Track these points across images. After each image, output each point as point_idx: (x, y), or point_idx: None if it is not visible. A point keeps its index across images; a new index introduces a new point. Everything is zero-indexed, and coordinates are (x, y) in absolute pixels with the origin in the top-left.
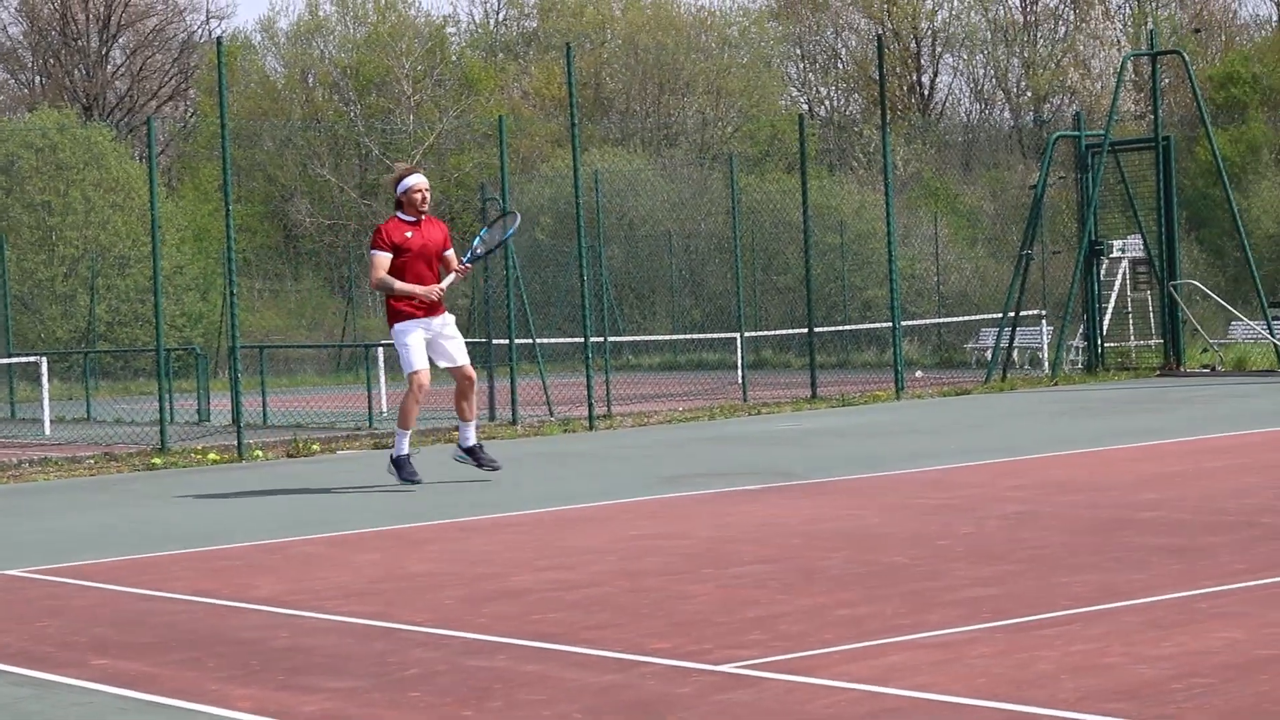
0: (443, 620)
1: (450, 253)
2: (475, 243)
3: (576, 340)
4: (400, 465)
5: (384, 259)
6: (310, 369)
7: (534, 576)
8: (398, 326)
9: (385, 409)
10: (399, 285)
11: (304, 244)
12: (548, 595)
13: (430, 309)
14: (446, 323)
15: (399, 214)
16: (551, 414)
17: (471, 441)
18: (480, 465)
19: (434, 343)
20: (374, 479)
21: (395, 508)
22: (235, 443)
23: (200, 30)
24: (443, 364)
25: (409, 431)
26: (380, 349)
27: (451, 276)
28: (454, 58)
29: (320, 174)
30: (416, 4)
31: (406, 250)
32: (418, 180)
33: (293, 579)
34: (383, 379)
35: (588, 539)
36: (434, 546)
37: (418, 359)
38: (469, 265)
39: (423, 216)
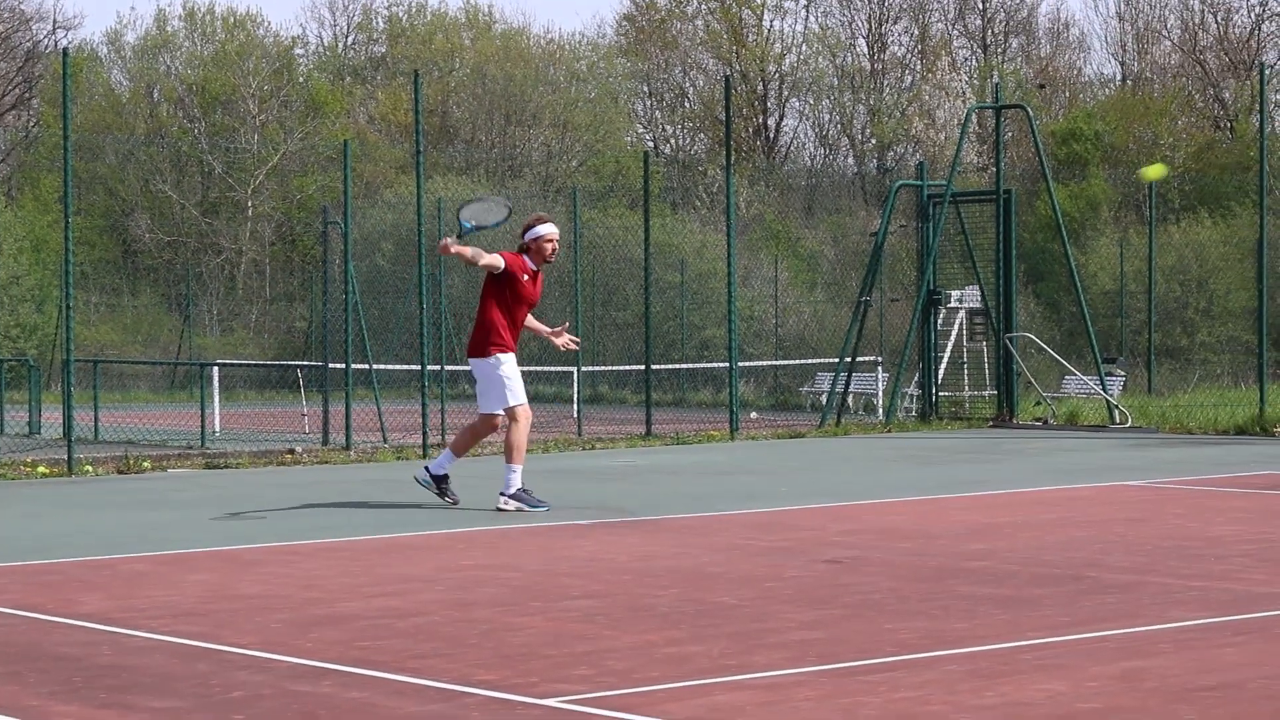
0: (269, 643)
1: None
2: (465, 223)
3: (413, 368)
4: (521, 498)
5: (497, 259)
6: (144, 385)
7: (363, 603)
8: (494, 359)
9: (218, 429)
10: (480, 256)
11: (143, 259)
12: (376, 622)
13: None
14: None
15: (526, 258)
16: (385, 441)
17: (445, 470)
18: (441, 495)
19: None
20: (205, 496)
21: (226, 528)
22: (66, 457)
23: (46, 40)
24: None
25: (519, 467)
26: (216, 368)
27: (450, 239)
28: (301, 79)
29: (162, 190)
30: (265, 24)
31: (519, 293)
32: (551, 230)
33: (119, 596)
34: (216, 398)
35: (418, 567)
36: (264, 569)
37: (520, 393)
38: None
39: (541, 268)
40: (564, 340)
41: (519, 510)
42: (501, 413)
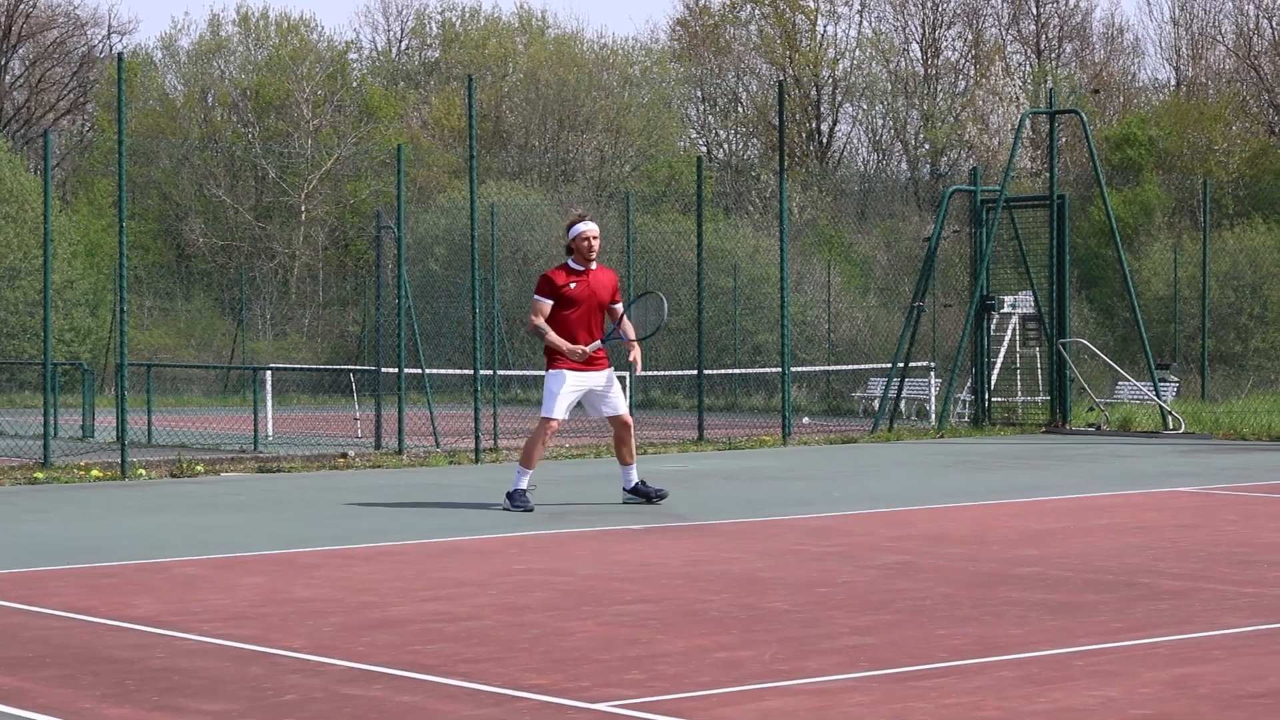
0: (321, 647)
1: (618, 305)
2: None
3: (466, 372)
4: (513, 497)
5: (544, 305)
6: (197, 389)
7: (415, 607)
8: (553, 372)
9: (270, 432)
10: (550, 336)
11: (196, 264)
12: (427, 626)
13: (589, 363)
14: (607, 378)
15: (569, 261)
16: (438, 445)
17: (633, 482)
18: (649, 499)
19: (590, 395)
20: (258, 500)
21: (280, 531)
22: (119, 460)
23: (101, 45)
24: (603, 413)
25: (529, 472)
26: (269, 372)
27: (596, 343)
28: (355, 84)
29: (216, 194)
30: (319, 29)
31: (568, 299)
32: (587, 227)
33: (172, 599)
34: (269, 402)
35: (470, 571)
36: (317, 573)
37: (557, 408)
38: (632, 341)
39: (592, 266)
40: (633, 355)
41: (504, 509)
42: (621, 411)
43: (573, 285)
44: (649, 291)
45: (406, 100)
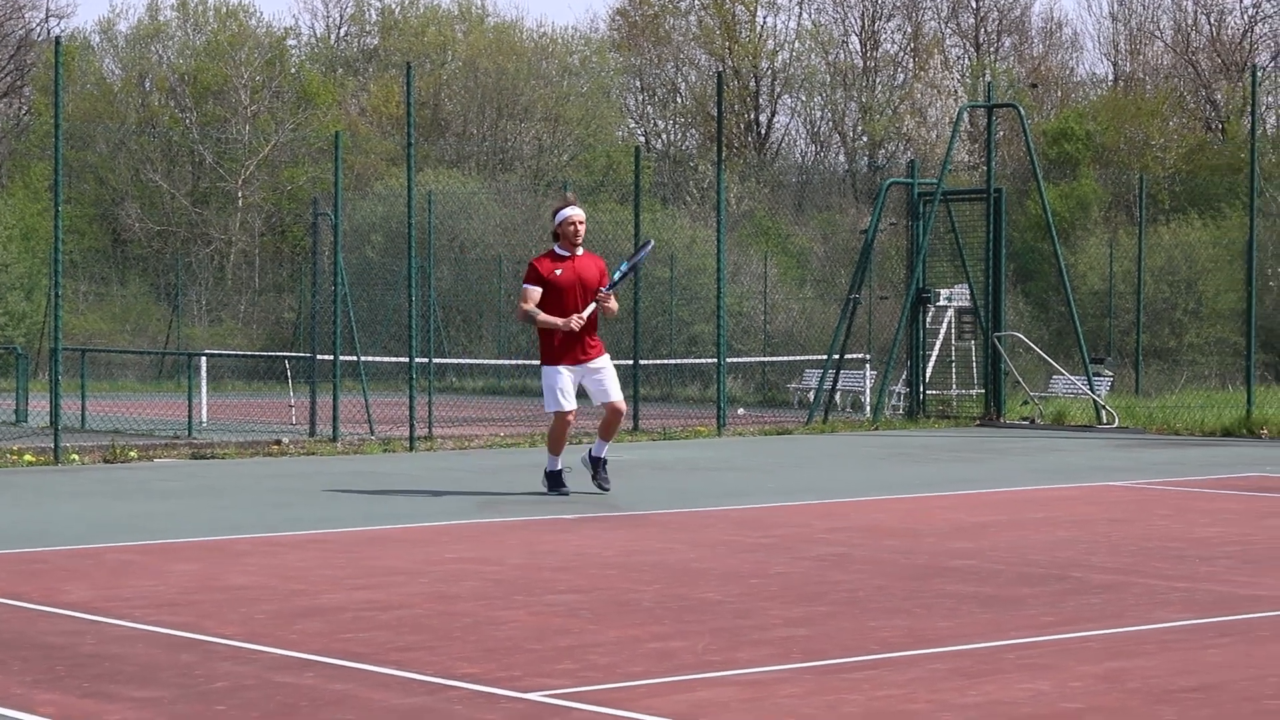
0: (253, 634)
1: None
2: (614, 273)
3: (401, 360)
4: (552, 479)
5: (533, 292)
6: (132, 375)
7: (347, 595)
8: (547, 369)
9: (205, 419)
10: (540, 317)
11: (132, 249)
12: (359, 614)
13: (583, 352)
14: (601, 364)
15: (555, 247)
16: (373, 433)
17: (601, 454)
18: (594, 478)
19: (587, 382)
20: (191, 487)
21: (213, 518)
22: (52, 445)
23: (39, 28)
24: (597, 401)
25: (558, 456)
26: (204, 358)
27: (591, 306)
28: (293, 70)
29: (153, 179)
30: (258, 15)
31: (555, 285)
32: (573, 212)
33: (105, 585)
34: (204, 388)
35: (402, 560)
36: (250, 560)
37: (561, 401)
38: (608, 293)
39: (577, 251)
40: (610, 307)
41: (544, 491)
42: (615, 399)
43: (558, 272)
44: (648, 241)
45: (345, 87)
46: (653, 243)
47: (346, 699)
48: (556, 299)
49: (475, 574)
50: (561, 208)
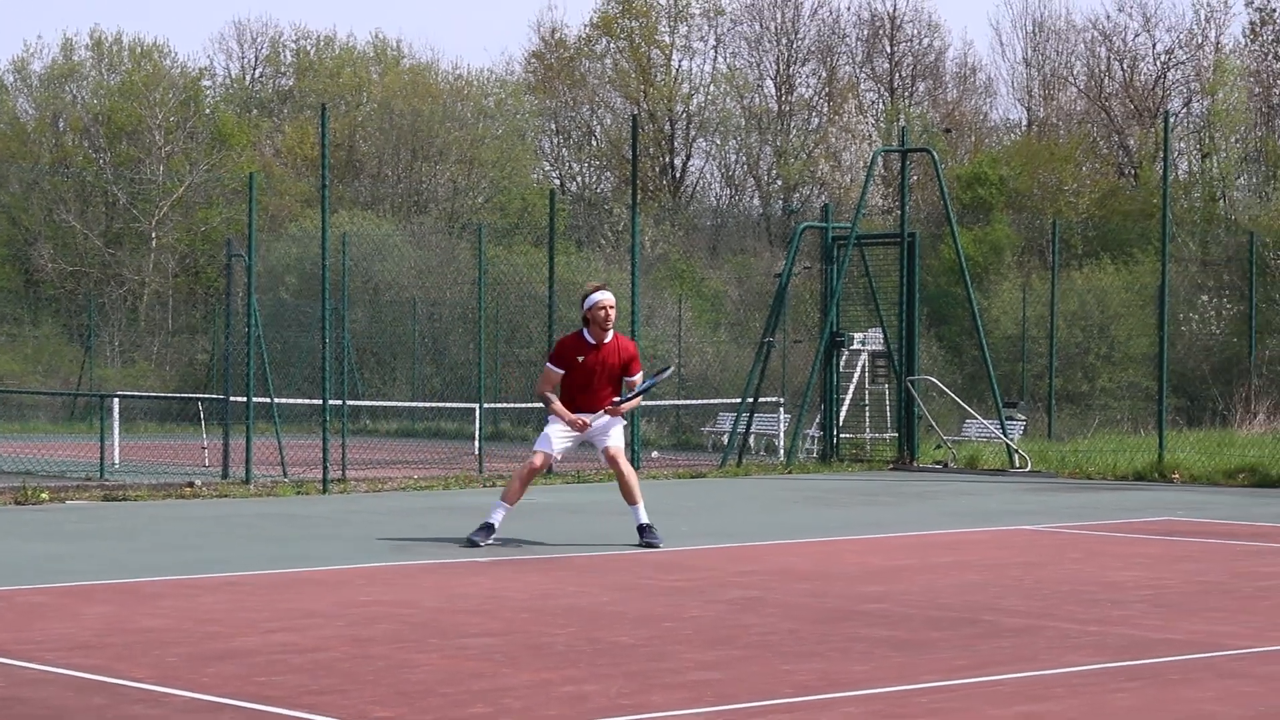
0: (166, 677)
1: (637, 377)
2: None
3: (315, 402)
4: (479, 528)
5: (554, 374)
6: (44, 416)
7: (261, 638)
8: (551, 417)
9: (117, 460)
10: (554, 405)
11: (45, 289)
12: (273, 657)
13: (590, 409)
14: (607, 424)
15: (584, 331)
16: (286, 475)
17: (639, 520)
18: (645, 543)
19: (592, 432)
20: (103, 529)
21: (126, 560)
22: None
23: None
24: (599, 448)
25: (506, 507)
26: (116, 400)
27: (601, 414)
28: (208, 111)
29: (66, 220)
30: (173, 55)
31: (578, 370)
32: (602, 297)
33: (16, 628)
34: (116, 430)
35: (316, 603)
36: (163, 602)
37: (544, 443)
38: (618, 405)
39: (606, 336)
40: (619, 412)
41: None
42: (542, 452)
43: (581, 359)
44: (668, 366)
45: (260, 128)
46: (672, 369)
47: None
48: (580, 382)
49: (390, 616)
50: (591, 292)
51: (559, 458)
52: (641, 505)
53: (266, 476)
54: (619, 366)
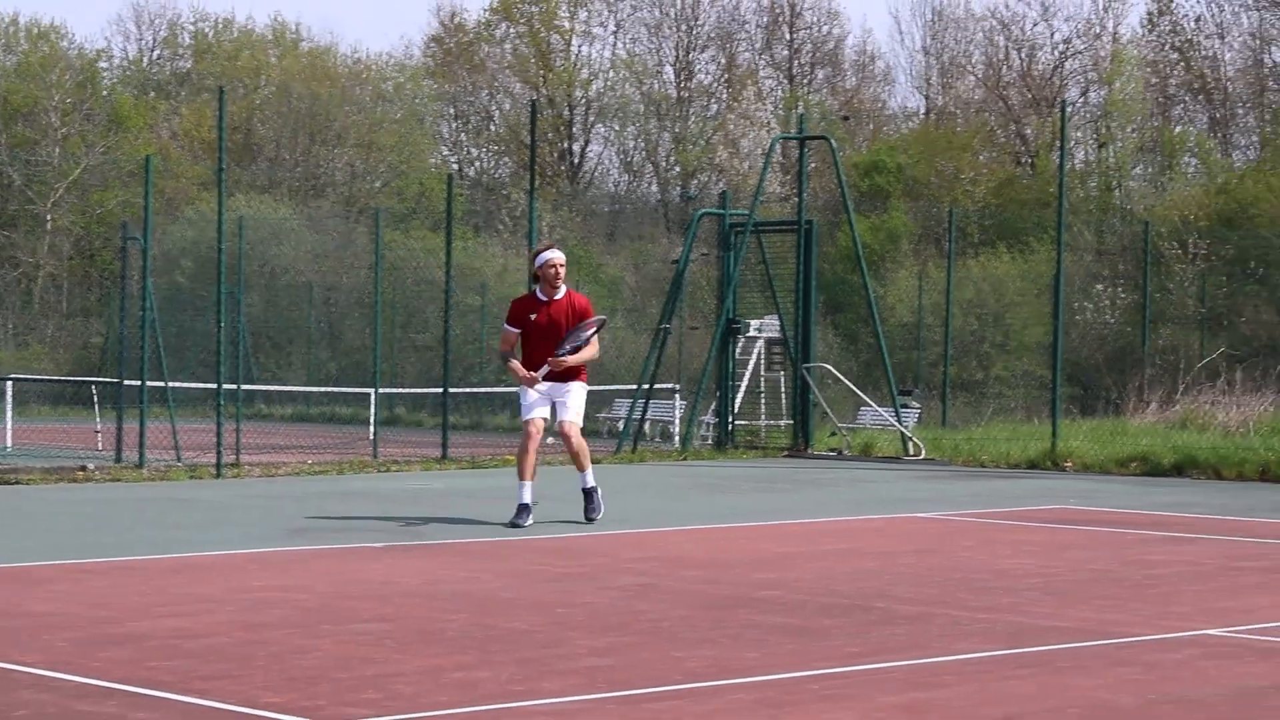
0: (56, 662)
1: (587, 332)
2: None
3: (210, 386)
4: (517, 512)
5: (510, 334)
6: None
7: (152, 623)
8: (521, 389)
9: (9, 444)
10: (510, 364)
11: None
12: (164, 643)
13: (558, 377)
14: (568, 390)
15: (536, 289)
16: (179, 459)
17: (585, 484)
18: (586, 510)
19: (555, 401)
20: None
21: (16, 545)
22: None
23: None
24: (555, 420)
25: (528, 483)
26: (9, 383)
27: (544, 369)
28: (105, 93)
29: None
30: (70, 36)
31: (532, 327)
32: (551, 255)
33: None
34: (9, 413)
35: (208, 587)
36: (53, 587)
37: (527, 409)
38: (559, 359)
39: (557, 294)
40: (563, 364)
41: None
42: (561, 418)
43: (533, 316)
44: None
45: (157, 110)
46: (604, 317)
47: None
48: (535, 339)
49: (282, 602)
50: (541, 250)
51: (548, 414)
52: (589, 472)
53: (160, 461)
54: (572, 320)
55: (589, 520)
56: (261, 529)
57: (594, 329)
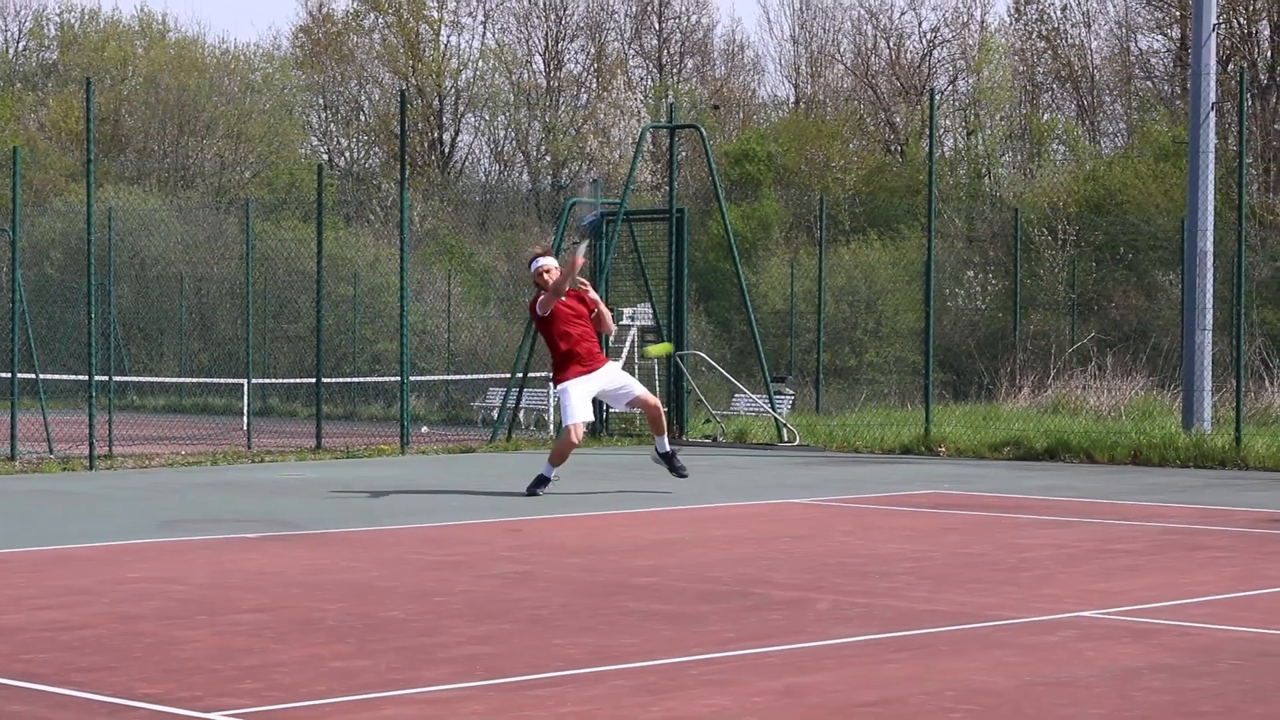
0: None
1: (593, 293)
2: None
3: (81, 378)
4: (537, 480)
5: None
6: None
7: (26, 616)
8: (561, 387)
9: None
10: (564, 272)
11: None
12: (39, 635)
13: (587, 363)
14: (610, 372)
15: (540, 293)
16: (51, 451)
17: (665, 449)
18: (672, 470)
19: (604, 393)
20: None
21: None
22: None
23: None
24: (624, 404)
25: (555, 468)
26: None
27: (583, 246)
28: None
29: None
30: None
31: (555, 316)
32: (544, 262)
33: None
34: None
35: (83, 579)
36: None
37: (575, 413)
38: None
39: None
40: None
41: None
42: (639, 394)
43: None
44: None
45: (23, 102)
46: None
47: None
48: (566, 324)
49: (158, 593)
50: (535, 257)
51: (590, 419)
52: (665, 436)
53: (32, 453)
54: (580, 306)
55: (683, 476)
56: (136, 520)
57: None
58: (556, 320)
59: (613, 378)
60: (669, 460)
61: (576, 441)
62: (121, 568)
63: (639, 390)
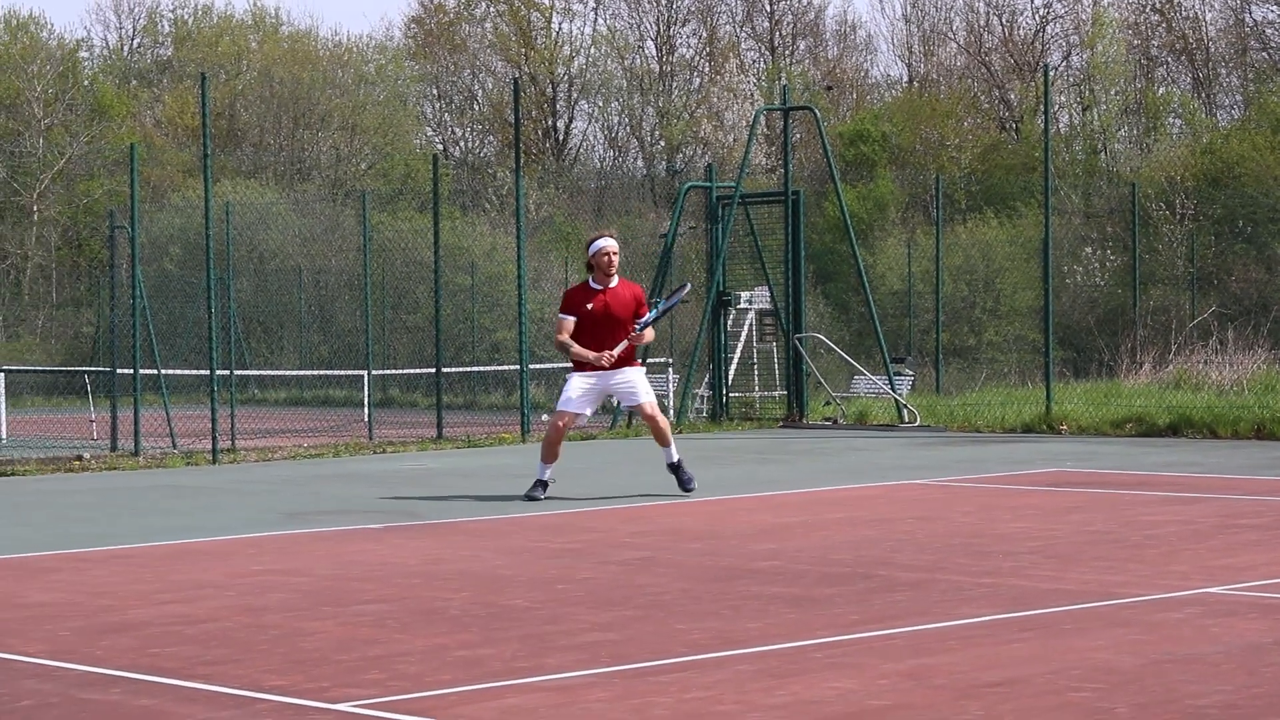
0: (58, 651)
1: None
2: (652, 310)
3: (202, 372)
4: (533, 485)
5: (567, 323)
6: None
7: (153, 610)
8: (571, 374)
9: (4, 436)
10: (574, 349)
11: None
12: (166, 629)
13: (611, 366)
14: (627, 377)
15: (590, 279)
16: (175, 446)
17: (672, 459)
18: (680, 484)
19: (615, 389)
20: None
21: (16, 535)
22: None
23: None
24: (626, 407)
25: (547, 466)
26: (2, 375)
27: (623, 344)
28: (86, 82)
29: None
30: (49, 27)
31: (587, 317)
32: (605, 243)
33: None
34: (2, 405)
35: (208, 573)
36: (54, 576)
37: (566, 404)
38: (640, 332)
39: (611, 282)
40: (645, 338)
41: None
42: (564, 412)
43: (589, 305)
44: (685, 283)
45: (139, 99)
46: (690, 285)
47: (153, 714)
48: (589, 329)
49: (282, 585)
50: (595, 239)
51: (589, 412)
52: (673, 447)
53: (155, 448)
54: (627, 309)
55: (688, 491)
56: (259, 513)
57: (683, 293)
58: (583, 322)
59: (624, 378)
60: (676, 472)
61: (561, 428)
62: (245, 560)
63: (642, 399)
